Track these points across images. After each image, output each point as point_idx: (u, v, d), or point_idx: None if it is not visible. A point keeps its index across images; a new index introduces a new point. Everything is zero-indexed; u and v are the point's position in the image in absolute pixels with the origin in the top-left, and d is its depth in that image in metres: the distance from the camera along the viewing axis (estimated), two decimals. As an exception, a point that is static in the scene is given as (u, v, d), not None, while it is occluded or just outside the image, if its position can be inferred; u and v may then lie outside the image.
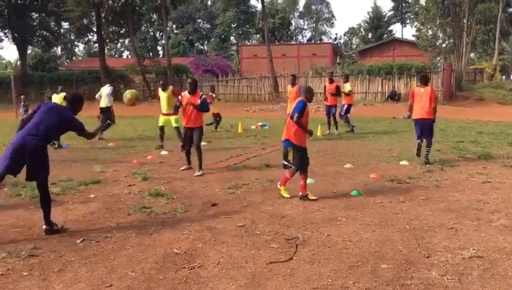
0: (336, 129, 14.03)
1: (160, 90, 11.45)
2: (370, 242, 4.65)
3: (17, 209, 6.02)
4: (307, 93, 6.64)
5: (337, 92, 13.76)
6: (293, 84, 13.25)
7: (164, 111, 11.28)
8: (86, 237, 4.91)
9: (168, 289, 3.66)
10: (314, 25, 78.41)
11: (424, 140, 9.02)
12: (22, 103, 16.63)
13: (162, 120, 11.38)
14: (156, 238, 4.86)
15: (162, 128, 11.42)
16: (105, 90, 13.68)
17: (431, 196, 6.50)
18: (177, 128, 10.99)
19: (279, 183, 6.73)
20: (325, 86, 14.34)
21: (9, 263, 4.18)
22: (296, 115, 6.36)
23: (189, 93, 8.31)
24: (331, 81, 14.06)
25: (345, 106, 14.19)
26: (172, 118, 11.09)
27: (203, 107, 8.28)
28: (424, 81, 9.28)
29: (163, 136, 11.55)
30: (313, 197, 6.41)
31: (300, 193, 6.48)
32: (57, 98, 12.73)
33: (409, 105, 9.66)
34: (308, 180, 7.49)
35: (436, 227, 5.10)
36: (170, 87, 11.49)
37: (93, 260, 4.26)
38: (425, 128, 9.00)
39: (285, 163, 6.76)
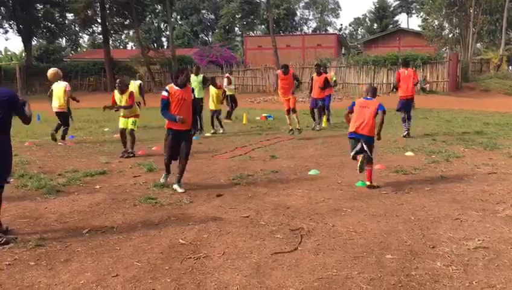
0: (328, 121, 13.92)
1: (116, 92, 9.56)
2: (375, 233, 4.65)
3: (23, 200, 6.06)
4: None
5: (326, 85, 13.02)
6: (319, 73, 13.24)
7: (122, 113, 9.65)
8: (92, 227, 4.94)
9: (173, 279, 3.68)
10: (319, 15, 77.89)
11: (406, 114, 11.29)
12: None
13: (122, 122, 9.67)
14: (162, 228, 4.89)
15: (123, 131, 9.68)
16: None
17: (436, 186, 6.48)
18: (132, 132, 9.52)
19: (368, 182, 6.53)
20: (312, 78, 13.63)
21: (17, 253, 4.22)
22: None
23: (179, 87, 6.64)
24: (319, 73, 13.26)
25: (331, 96, 14.14)
26: (132, 119, 9.62)
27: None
28: (406, 65, 12.60)
29: (126, 141, 9.72)
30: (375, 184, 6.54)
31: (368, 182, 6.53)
32: None
33: (396, 83, 11.96)
34: (313, 171, 7.53)
35: (441, 218, 5.10)
36: (129, 91, 9.59)
37: (99, 250, 4.29)
38: (407, 105, 11.40)
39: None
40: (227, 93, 14.78)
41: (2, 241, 4.45)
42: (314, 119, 13.40)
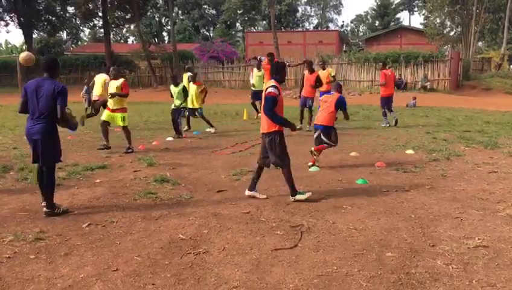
0: (309, 124, 12.23)
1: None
2: (375, 230, 4.65)
3: (23, 193, 6.06)
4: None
5: (317, 84, 12.12)
6: (312, 71, 12.47)
7: (111, 106, 9.35)
8: (92, 221, 4.94)
9: (173, 274, 3.68)
10: (321, 12, 77.73)
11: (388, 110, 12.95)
12: (85, 88, 16.45)
13: (106, 115, 9.38)
14: (162, 223, 4.89)
15: (105, 123, 9.44)
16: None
17: (436, 185, 6.48)
18: (125, 128, 9.32)
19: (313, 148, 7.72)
20: (303, 76, 12.78)
21: (16, 246, 4.22)
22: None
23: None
24: (312, 71, 12.40)
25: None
26: (119, 114, 9.28)
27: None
28: (386, 65, 14.66)
29: (108, 133, 9.65)
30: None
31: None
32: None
33: (381, 83, 13.39)
34: (314, 168, 7.53)
35: (442, 216, 5.09)
36: (122, 79, 9.49)
37: (99, 245, 4.29)
38: (390, 102, 13.11)
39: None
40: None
41: (60, 211, 5.14)
42: (301, 119, 12.49)
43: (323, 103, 7.99)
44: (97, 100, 12.14)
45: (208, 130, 12.18)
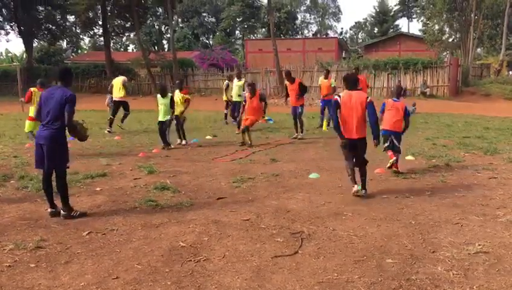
0: (302, 132, 12.15)
1: (35, 89, 9.89)
2: (375, 237, 4.65)
3: (24, 201, 6.06)
4: None
5: (302, 91, 11.89)
6: (293, 80, 12.23)
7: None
8: (93, 229, 4.94)
9: (173, 282, 3.68)
10: (320, 19, 78.03)
11: None
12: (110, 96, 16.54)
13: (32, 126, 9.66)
14: (162, 231, 4.88)
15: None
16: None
17: (436, 191, 6.48)
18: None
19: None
20: (286, 85, 12.46)
21: (17, 255, 4.22)
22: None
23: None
24: (292, 80, 11.98)
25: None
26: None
27: None
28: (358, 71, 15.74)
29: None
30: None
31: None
32: None
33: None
34: (314, 175, 7.54)
35: (442, 222, 5.10)
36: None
37: (100, 253, 4.29)
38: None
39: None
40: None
41: (77, 215, 5.34)
42: (296, 129, 12.15)
43: (391, 108, 7.81)
44: None
45: (180, 142, 11.35)
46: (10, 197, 6.36)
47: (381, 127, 7.23)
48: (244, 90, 14.07)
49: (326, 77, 13.95)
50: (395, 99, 7.92)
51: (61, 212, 5.35)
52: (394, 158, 7.66)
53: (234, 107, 14.75)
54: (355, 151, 6.32)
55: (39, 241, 4.53)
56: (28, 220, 5.28)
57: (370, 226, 4.99)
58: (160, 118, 10.81)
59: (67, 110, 5.20)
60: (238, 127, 12.64)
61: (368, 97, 6.23)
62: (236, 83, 14.93)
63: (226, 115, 16.36)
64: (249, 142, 10.97)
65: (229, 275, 3.78)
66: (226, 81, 16.75)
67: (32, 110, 10.04)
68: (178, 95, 11.50)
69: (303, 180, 7.29)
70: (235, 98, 14.69)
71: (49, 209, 5.43)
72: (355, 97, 6.23)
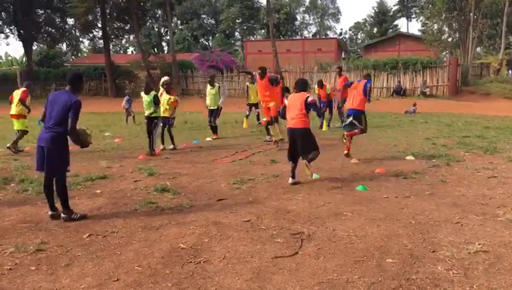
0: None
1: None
2: (375, 237, 4.65)
3: (24, 204, 6.07)
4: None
5: (285, 93, 11.22)
6: (340, 74, 14.32)
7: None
8: (93, 232, 4.94)
9: (174, 284, 3.68)
10: (319, 20, 78.07)
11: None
12: (126, 98, 17.21)
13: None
14: (162, 233, 4.89)
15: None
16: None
17: (436, 190, 6.49)
18: (24, 131, 10.23)
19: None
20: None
21: (17, 258, 4.22)
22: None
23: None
24: (275, 82, 11.14)
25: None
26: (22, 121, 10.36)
27: None
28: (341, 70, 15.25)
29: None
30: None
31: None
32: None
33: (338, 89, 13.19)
34: (314, 175, 7.53)
35: (442, 222, 5.10)
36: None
37: (100, 255, 4.29)
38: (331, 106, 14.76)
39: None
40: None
41: (77, 217, 5.33)
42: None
43: (353, 89, 8.95)
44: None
45: (169, 147, 10.92)
46: (11, 200, 6.37)
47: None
48: (220, 98, 12.79)
49: (340, 75, 14.65)
50: (359, 80, 9.28)
51: (62, 215, 5.36)
52: (346, 151, 8.76)
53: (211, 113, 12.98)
54: (296, 141, 7.09)
55: (40, 244, 4.54)
56: (29, 223, 5.28)
57: (370, 226, 5.00)
58: (146, 114, 10.30)
59: (71, 117, 5.18)
60: (258, 119, 13.88)
61: (308, 97, 7.09)
62: (209, 92, 12.95)
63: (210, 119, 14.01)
64: (280, 136, 10.24)
65: (230, 277, 3.79)
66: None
67: (13, 108, 10.62)
68: (166, 96, 10.98)
69: (303, 181, 7.29)
70: (212, 107, 12.91)
71: (49, 212, 5.44)
72: (297, 97, 7.23)
